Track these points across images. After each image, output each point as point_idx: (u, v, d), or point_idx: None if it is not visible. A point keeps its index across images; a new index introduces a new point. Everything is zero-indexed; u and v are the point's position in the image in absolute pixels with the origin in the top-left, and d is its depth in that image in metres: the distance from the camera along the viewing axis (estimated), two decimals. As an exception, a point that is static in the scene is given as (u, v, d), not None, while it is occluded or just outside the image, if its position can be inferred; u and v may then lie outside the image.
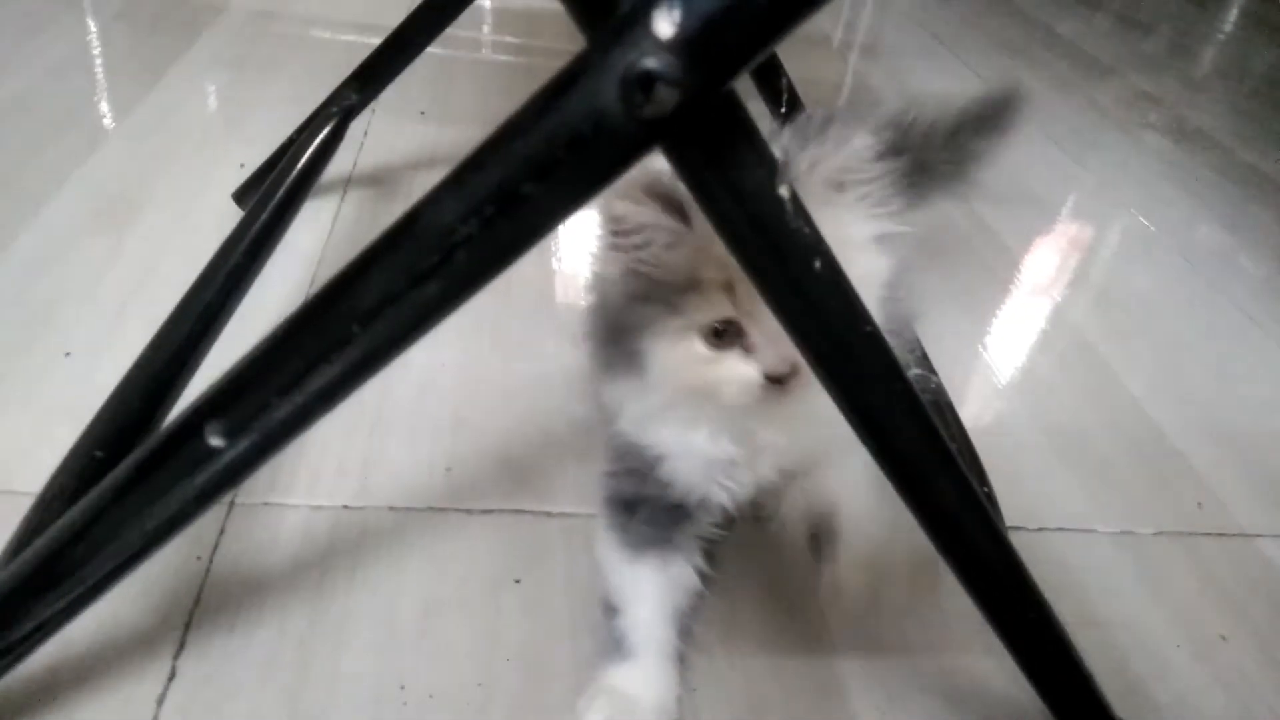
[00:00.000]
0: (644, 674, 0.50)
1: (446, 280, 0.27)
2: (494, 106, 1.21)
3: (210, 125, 1.04)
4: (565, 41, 1.42)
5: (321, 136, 0.75)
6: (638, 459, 0.51)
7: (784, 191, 0.29)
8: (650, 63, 0.22)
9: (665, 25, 0.22)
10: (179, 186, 0.91)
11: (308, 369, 0.28)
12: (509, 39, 1.43)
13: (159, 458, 0.31)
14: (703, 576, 0.55)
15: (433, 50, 0.81)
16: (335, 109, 0.79)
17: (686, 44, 0.22)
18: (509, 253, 0.27)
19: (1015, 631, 0.43)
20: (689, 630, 0.54)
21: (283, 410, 0.28)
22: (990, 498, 0.53)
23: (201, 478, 0.30)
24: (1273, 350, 0.97)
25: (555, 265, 0.88)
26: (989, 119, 0.77)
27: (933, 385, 0.65)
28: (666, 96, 0.23)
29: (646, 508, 0.53)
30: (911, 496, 0.37)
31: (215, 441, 0.29)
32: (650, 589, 0.52)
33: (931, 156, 0.74)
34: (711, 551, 0.57)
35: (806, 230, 0.30)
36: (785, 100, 0.79)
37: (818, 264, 0.30)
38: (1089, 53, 1.88)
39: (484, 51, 1.38)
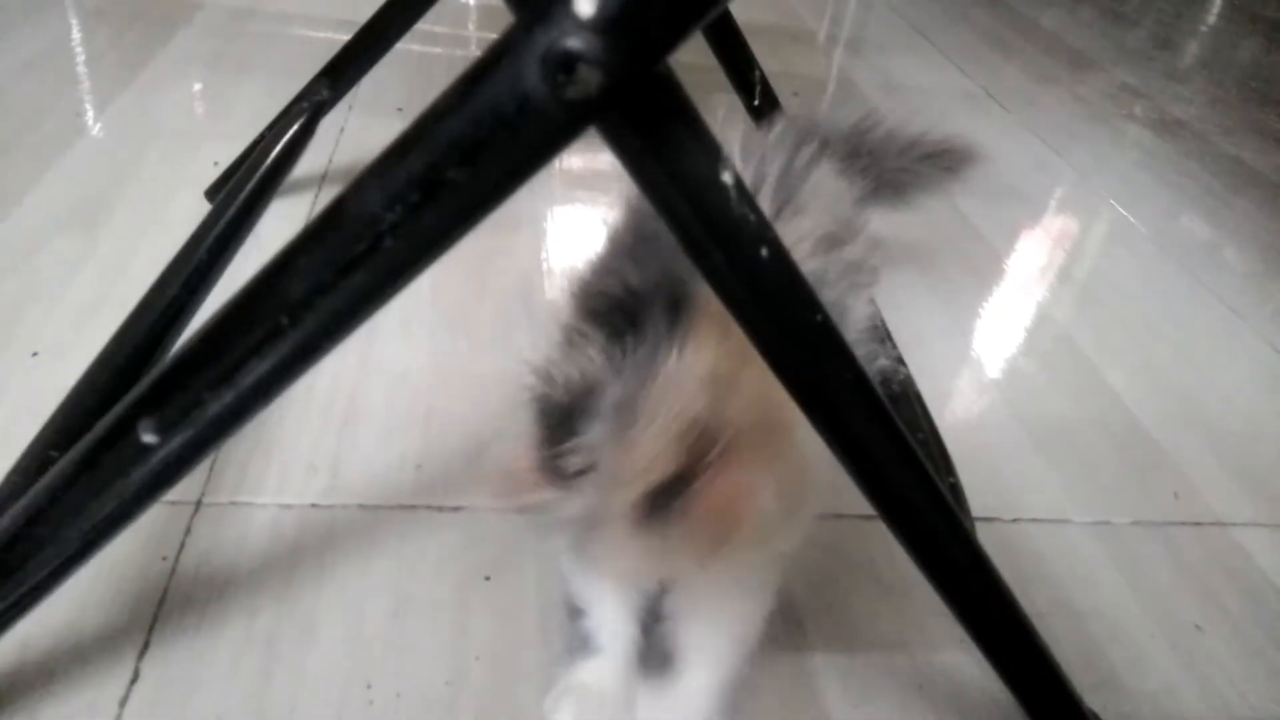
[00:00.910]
0: (610, 671, 0.49)
1: (375, 270, 0.26)
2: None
3: (186, 122, 1.03)
4: None
5: (292, 132, 0.74)
6: None
7: (728, 178, 0.29)
8: (571, 42, 0.22)
9: (586, 4, 0.21)
10: (153, 184, 0.90)
11: (238, 364, 0.27)
12: (493, 36, 1.42)
13: (93, 456, 0.30)
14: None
15: (413, 47, 0.81)
16: (306, 104, 0.78)
17: (607, 23, 0.22)
18: (439, 240, 0.26)
19: (980, 624, 0.43)
20: (659, 631, 0.53)
21: (215, 406, 0.28)
22: (956, 489, 0.53)
23: (137, 476, 0.29)
24: (1253, 340, 0.97)
25: (537, 259, 0.88)
26: (942, 157, 0.77)
27: (901, 376, 0.65)
28: (589, 77, 0.22)
29: None
30: (869, 488, 0.36)
31: (148, 439, 0.28)
32: (613, 590, 0.51)
33: (883, 164, 0.74)
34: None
35: (752, 217, 0.29)
36: (760, 94, 0.79)
37: (764, 251, 0.30)
38: (1073, 46, 1.88)
39: (471, 48, 1.37)
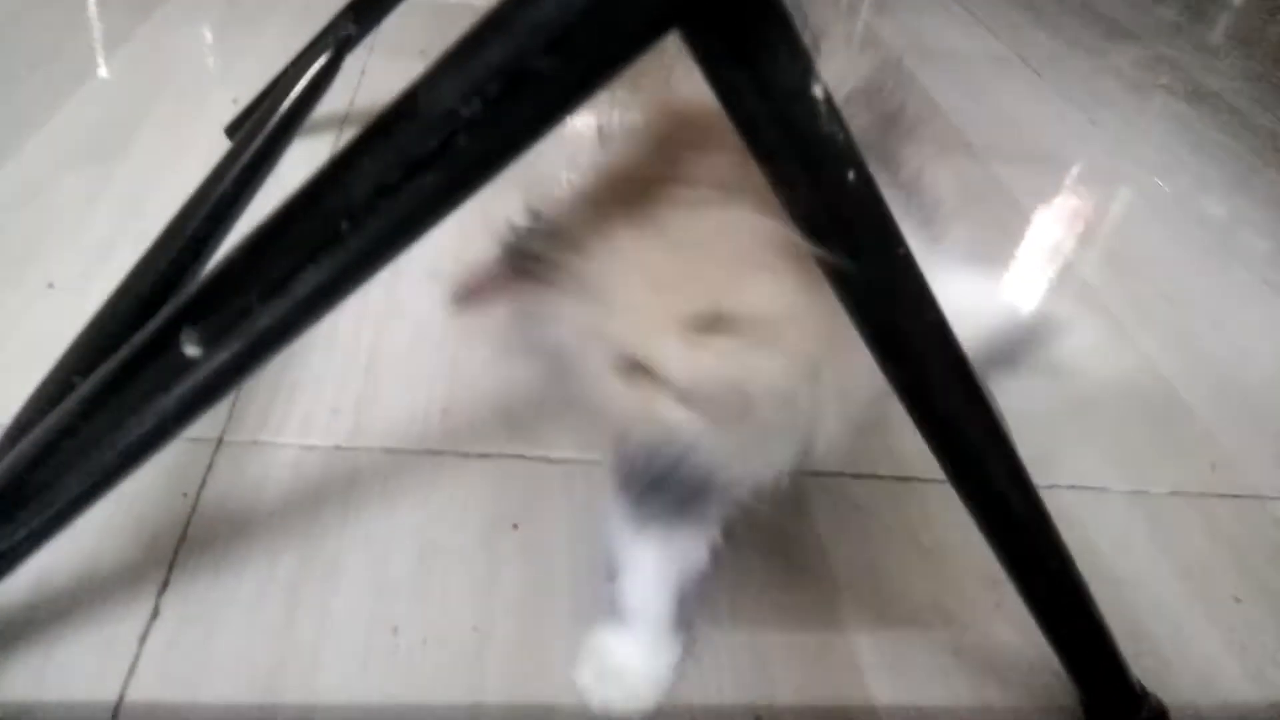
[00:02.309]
0: (637, 641, 0.48)
1: (447, 170, 0.24)
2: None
3: (203, 60, 1.00)
4: None
5: (316, 68, 0.72)
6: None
7: (818, 91, 0.26)
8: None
9: None
10: (170, 121, 0.87)
11: (292, 272, 0.25)
12: None
13: (131, 369, 0.28)
14: (714, 549, 0.51)
15: None
16: (331, 40, 0.75)
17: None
18: (518, 139, 0.24)
19: (1038, 587, 0.41)
20: (693, 599, 0.51)
21: (265, 318, 0.26)
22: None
23: (178, 390, 0.28)
24: (1287, 314, 0.94)
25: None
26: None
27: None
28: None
29: (667, 487, 0.45)
30: (938, 438, 0.35)
31: (191, 350, 0.26)
32: (652, 559, 0.48)
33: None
34: (730, 525, 0.54)
35: (841, 137, 0.27)
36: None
37: (851, 175, 0.28)
38: (1105, 14, 1.83)
39: None
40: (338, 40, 0.76)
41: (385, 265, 0.26)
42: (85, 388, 0.29)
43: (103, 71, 0.94)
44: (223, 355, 0.27)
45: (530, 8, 0.22)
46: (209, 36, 1.06)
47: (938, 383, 0.33)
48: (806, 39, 0.26)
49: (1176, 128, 1.37)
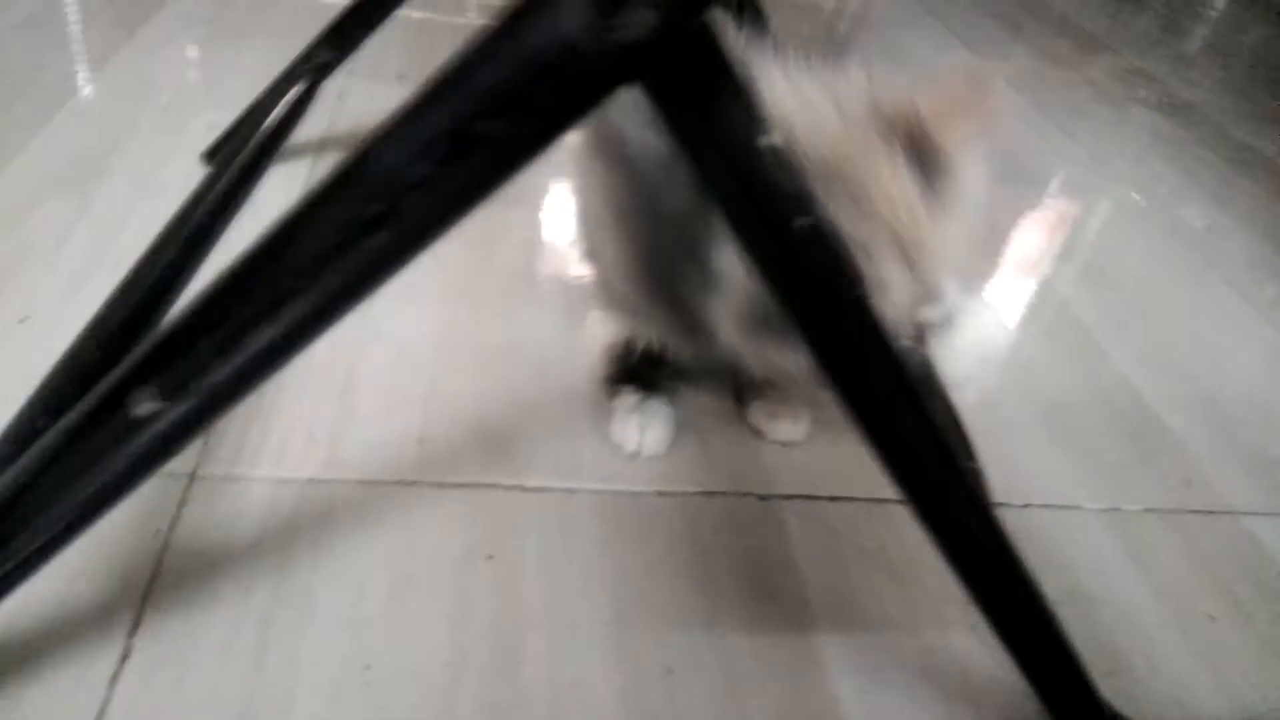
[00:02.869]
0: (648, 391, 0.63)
1: (397, 229, 0.24)
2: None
3: (182, 86, 1.00)
4: None
5: (293, 94, 0.72)
6: None
7: (768, 143, 0.27)
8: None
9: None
10: (148, 147, 0.87)
11: (245, 328, 0.26)
12: (495, 1, 1.39)
13: (82, 428, 0.28)
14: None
15: (414, 13, 0.79)
16: (307, 67, 0.76)
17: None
18: (468, 198, 0.24)
19: (1001, 612, 0.41)
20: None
21: (219, 373, 0.26)
22: (977, 475, 0.52)
23: (131, 448, 0.28)
24: (1261, 326, 0.95)
25: (539, 232, 0.86)
26: None
27: (918, 358, 0.63)
28: (640, 18, 0.20)
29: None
30: (895, 468, 0.35)
31: (144, 409, 0.26)
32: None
33: None
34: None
35: (789, 185, 0.28)
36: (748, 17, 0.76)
37: (803, 221, 0.28)
38: (1082, 27, 1.85)
39: (468, 15, 1.34)
40: (315, 66, 0.76)
41: (338, 320, 0.27)
42: (40, 444, 0.29)
43: (85, 93, 0.94)
44: (179, 410, 0.27)
45: (480, 71, 0.22)
46: (187, 61, 1.06)
47: (893, 420, 0.33)
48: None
49: (1152, 140, 1.39)
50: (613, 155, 0.50)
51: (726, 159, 0.26)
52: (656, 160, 0.45)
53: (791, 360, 0.46)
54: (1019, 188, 1.14)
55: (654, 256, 0.50)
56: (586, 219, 0.60)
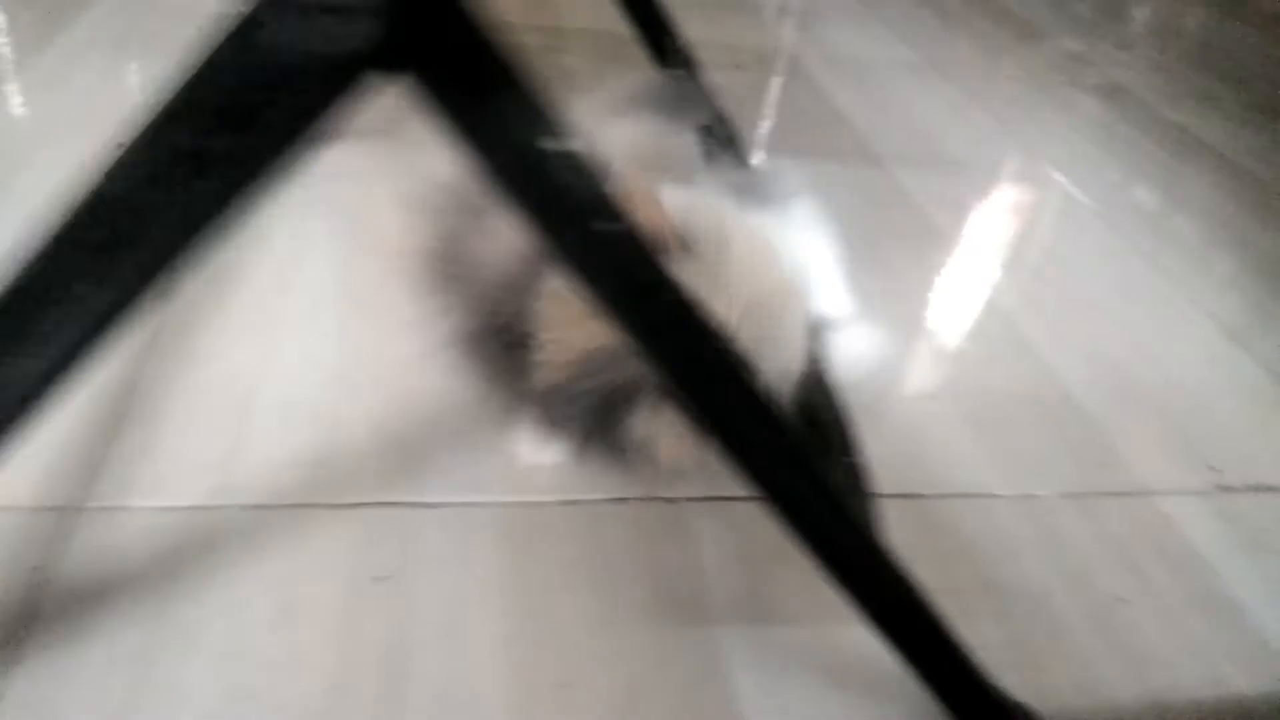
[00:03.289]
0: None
1: (137, 258, 0.23)
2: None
3: (91, 103, 0.98)
4: (531, 16, 1.37)
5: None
6: None
7: (561, 146, 0.26)
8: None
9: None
10: (56, 166, 0.85)
11: (-4, 362, 0.24)
12: None
13: None
14: None
15: None
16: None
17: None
18: (210, 220, 0.23)
19: (871, 607, 0.41)
20: None
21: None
22: (856, 469, 0.51)
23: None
24: (1190, 309, 0.96)
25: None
26: None
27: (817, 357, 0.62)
28: (358, 28, 0.20)
29: None
30: (740, 467, 0.34)
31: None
32: None
33: None
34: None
35: (584, 189, 0.27)
36: (681, 61, 0.76)
37: (606, 224, 0.27)
38: (1021, 16, 1.87)
39: None
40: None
41: (88, 357, 0.25)
42: None
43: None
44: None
45: (197, 88, 0.21)
46: (97, 77, 1.04)
47: (728, 410, 0.32)
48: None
49: (1084, 124, 1.40)
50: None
51: (514, 164, 0.26)
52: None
53: None
54: (946, 178, 1.14)
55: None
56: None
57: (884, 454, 0.68)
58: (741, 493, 0.63)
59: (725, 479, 0.63)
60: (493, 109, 0.25)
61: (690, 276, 0.44)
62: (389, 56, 0.22)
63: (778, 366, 0.48)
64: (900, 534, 0.61)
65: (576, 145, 0.27)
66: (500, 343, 0.51)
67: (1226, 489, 0.72)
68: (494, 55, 0.25)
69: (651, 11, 0.77)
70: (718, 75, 1.30)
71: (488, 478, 0.61)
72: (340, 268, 0.78)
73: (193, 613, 0.50)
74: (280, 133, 0.22)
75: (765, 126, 1.20)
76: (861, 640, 0.54)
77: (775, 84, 1.34)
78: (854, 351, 0.67)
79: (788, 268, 0.50)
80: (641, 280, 0.29)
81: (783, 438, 0.33)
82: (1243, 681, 0.57)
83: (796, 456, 0.34)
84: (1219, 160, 1.35)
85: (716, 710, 0.49)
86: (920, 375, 0.78)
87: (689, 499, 0.62)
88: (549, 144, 0.26)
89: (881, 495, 0.64)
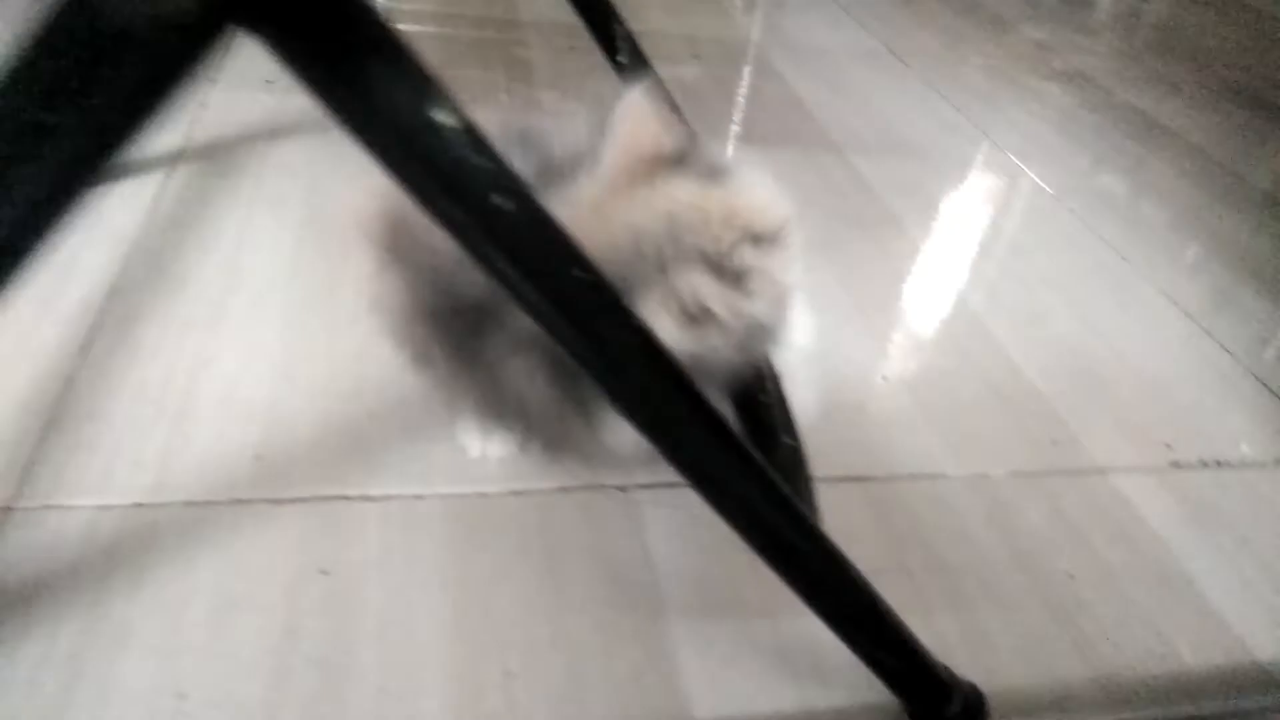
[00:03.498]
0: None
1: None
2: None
3: None
4: (489, 8, 1.36)
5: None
6: None
7: (448, 119, 0.25)
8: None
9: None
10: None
11: None
12: (415, 8, 1.36)
13: None
14: None
15: None
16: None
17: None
18: (52, 201, 0.22)
19: (813, 592, 0.41)
20: None
21: None
22: (795, 452, 0.51)
23: None
24: (1144, 287, 0.97)
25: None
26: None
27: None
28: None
29: None
30: (667, 449, 0.34)
31: None
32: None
33: None
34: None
35: (482, 162, 0.26)
36: (628, 51, 0.75)
37: (501, 200, 0.27)
38: (987, 6, 1.87)
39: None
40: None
41: None
42: None
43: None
44: None
45: (19, 66, 0.20)
46: None
47: (648, 394, 0.32)
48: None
49: (1044, 110, 1.40)
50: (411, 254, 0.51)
51: (396, 138, 0.25)
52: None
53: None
54: (903, 164, 1.14)
55: (461, 339, 0.50)
56: (397, 321, 0.57)
57: (836, 437, 0.68)
58: (692, 479, 0.63)
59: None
60: (366, 75, 0.24)
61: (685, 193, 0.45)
62: (246, 7, 0.21)
63: (766, 302, 0.47)
64: (851, 516, 0.62)
65: (467, 118, 0.26)
66: (458, 320, 0.49)
67: (1179, 465, 0.73)
68: (366, 18, 0.24)
69: (598, 3, 0.76)
70: (678, 67, 1.29)
71: (434, 469, 0.60)
72: (288, 262, 0.77)
73: (128, 610, 0.49)
74: (119, 103, 0.21)
75: (725, 115, 1.20)
76: (809, 626, 0.53)
77: (735, 74, 1.34)
78: (807, 336, 0.67)
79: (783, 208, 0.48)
80: (546, 258, 0.28)
81: (703, 416, 0.33)
82: (1192, 655, 0.57)
83: (720, 437, 0.34)
84: (1178, 142, 1.36)
85: (662, 696, 0.49)
86: (874, 359, 0.78)
87: (639, 486, 0.61)
88: (436, 116, 0.25)
89: (833, 478, 0.64)
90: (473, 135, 0.26)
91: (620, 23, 0.76)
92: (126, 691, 0.45)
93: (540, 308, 0.29)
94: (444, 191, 0.26)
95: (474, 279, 0.48)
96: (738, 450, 0.34)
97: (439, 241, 0.46)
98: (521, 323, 0.45)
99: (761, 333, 0.48)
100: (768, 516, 0.37)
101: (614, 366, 0.31)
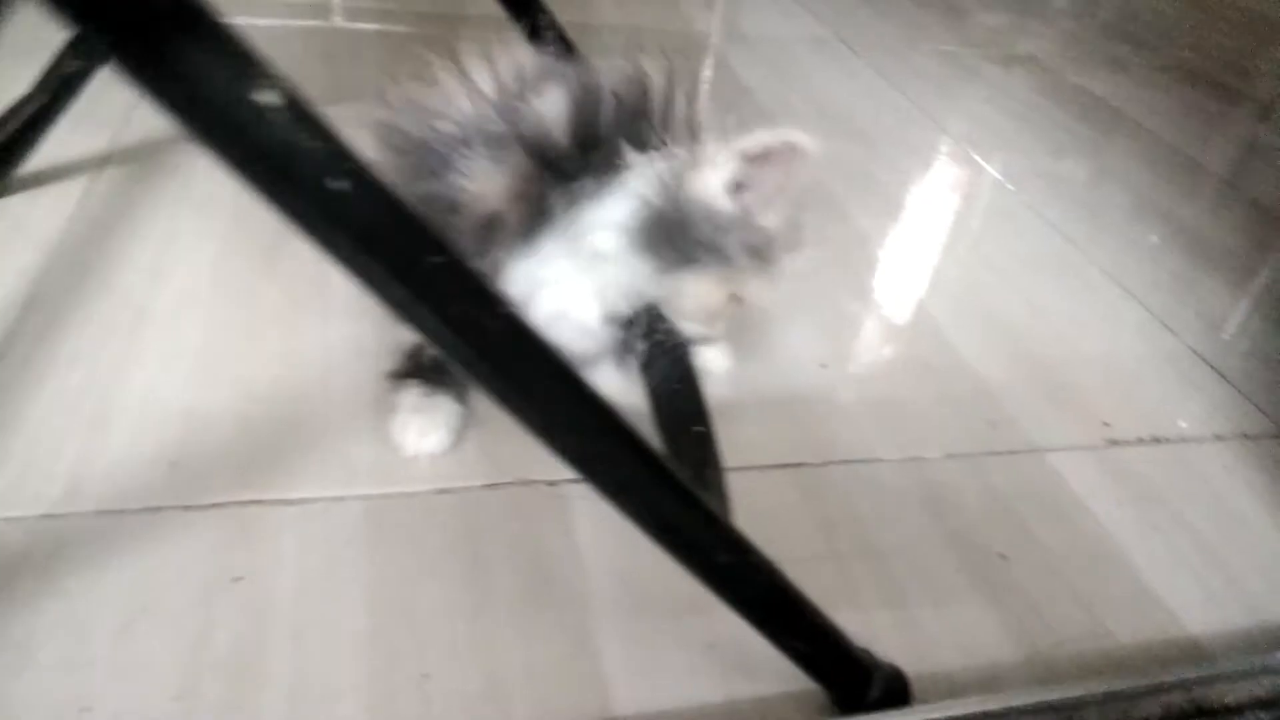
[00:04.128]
0: (434, 387, 0.61)
1: None
2: (342, 77, 1.12)
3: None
4: (436, 4, 1.34)
5: (29, 112, 0.67)
6: None
7: (271, 98, 0.24)
8: None
9: None
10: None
11: None
12: (365, 5, 1.34)
13: None
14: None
15: (266, 21, 0.74)
16: (52, 80, 0.71)
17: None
18: None
19: (723, 583, 0.40)
20: None
21: None
22: (703, 438, 0.50)
23: None
24: (1085, 266, 0.97)
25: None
26: None
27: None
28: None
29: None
30: (545, 438, 0.33)
31: None
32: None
33: None
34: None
35: (310, 143, 0.25)
36: (553, 39, 0.74)
37: (338, 184, 0.26)
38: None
39: (334, 19, 1.29)
40: (60, 79, 0.71)
41: None
42: None
43: None
44: None
45: None
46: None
47: (522, 379, 0.31)
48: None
49: (993, 94, 1.41)
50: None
51: (214, 120, 0.24)
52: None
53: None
54: (850, 151, 1.14)
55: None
56: None
57: (772, 425, 0.68)
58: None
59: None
60: (181, 54, 0.23)
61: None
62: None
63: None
64: (782, 503, 0.61)
65: (296, 98, 0.25)
66: None
67: (1116, 443, 0.73)
68: (186, 10, 0.23)
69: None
70: (622, 59, 1.28)
71: (357, 471, 0.59)
72: (212, 264, 0.75)
73: (30, 624, 0.47)
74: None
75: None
76: (736, 620, 0.53)
77: (681, 64, 1.33)
78: (740, 325, 0.66)
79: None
80: (396, 242, 0.28)
81: (583, 400, 0.32)
82: (1125, 633, 0.57)
83: (604, 422, 0.33)
84: (1131, 126, 1.36)
85: (585, 693, 0.48)
86: (814, 346, 0.78)
87: (568, 480, 0.60)
88: (260, 97, 0.24)
89: (765, 465, 0.64)
90: (302, 115, 0.25)
91: (544, 11, 0.75)
92: (27, 707, 0.44)
93: (397, 296, 0.28)
94: (275, 177, 0.25)
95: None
96: (623, 435, 0.33)
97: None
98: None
99: (760, 239, 0.57)
100: (662, 504, 0.36)
101: (482, 354, 0.30)
